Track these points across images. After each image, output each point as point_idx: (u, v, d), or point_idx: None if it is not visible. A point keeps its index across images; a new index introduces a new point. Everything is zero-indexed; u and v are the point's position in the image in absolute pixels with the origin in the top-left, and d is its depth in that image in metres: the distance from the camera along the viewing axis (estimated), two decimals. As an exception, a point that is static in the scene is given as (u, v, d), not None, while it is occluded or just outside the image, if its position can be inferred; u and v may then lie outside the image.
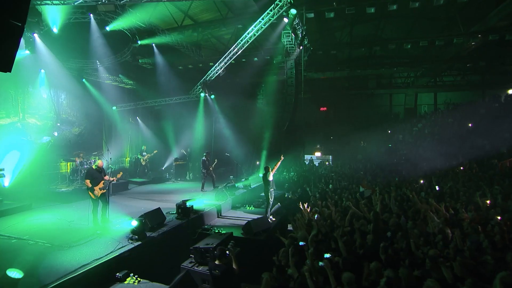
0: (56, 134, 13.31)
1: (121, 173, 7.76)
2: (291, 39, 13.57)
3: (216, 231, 7.71)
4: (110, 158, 10.11)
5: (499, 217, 6.59)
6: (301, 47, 14.29)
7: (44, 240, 5.80)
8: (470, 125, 20.34)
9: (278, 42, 14.40)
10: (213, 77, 14.25)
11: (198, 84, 14.99)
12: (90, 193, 6.85)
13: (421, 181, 12.05)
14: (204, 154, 12.41)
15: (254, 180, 13.70)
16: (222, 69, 13.47)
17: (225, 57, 13.31)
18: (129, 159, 17.81)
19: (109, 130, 16.83)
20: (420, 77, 25.18)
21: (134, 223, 5.98)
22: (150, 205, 9.41)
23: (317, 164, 20.03)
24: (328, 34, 19.19)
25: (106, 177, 7.25)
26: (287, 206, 10.59)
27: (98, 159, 7.39)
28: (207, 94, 15.08)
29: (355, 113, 28.17)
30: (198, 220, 8.23)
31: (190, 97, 16.17)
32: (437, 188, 10.19)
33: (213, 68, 13.82)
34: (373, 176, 13.63)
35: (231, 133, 16.25)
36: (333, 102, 29.41)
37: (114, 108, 16.52)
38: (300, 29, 13.33)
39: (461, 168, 14.54)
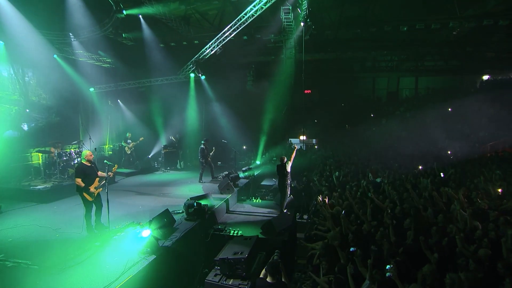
0: (25, 127, 11.35)
1: (116, 166, 6.43)
2: (291, 16, 12.37)
3: (232, 231, 6.74)
4: (95, 149, 8.68)
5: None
6: (302, 24, 13.04)
7: (27, 259, 4.50)
8: (449, 109, 20.99)
9: (276, 20, 13.17)
10: (207, 56, 12.75)
11: (190, 63, 13.41)
12: (85, 194, 5.52)
13: (420, 167, 11.77)
14: (202, 142, 11.18)
15: (256, 169, 12.80)
16: (220, 46, 11.97)
17: (223, 33, 11.81)
18: (110, 147, 16.07)
19: (85, 114, 14.87)
20: (403, 61, 25.05)
21: (147, 233, 4.81)
22: (148, 202, 8.24)
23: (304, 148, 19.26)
24: (316, 15, 17.96)
25: (100, 173, 5.94)
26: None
27: (86, 150, 5.97)
28: (200, 74, 13.55)
29: (339, 96, 27.80)
30: (209, 219, 7.17)
31: (179, 78, 14.58)
32: (441, 175, 9.78)
33: (208, 46, 12.27)
34: (376, 164, 13.14)
35: (225, 117, 14.98)
36: (318, 85, 28.80)
37: (91, 89, 14.53)
38: (305, 4, 12.08)
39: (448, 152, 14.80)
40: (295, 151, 8.22)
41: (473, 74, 24.85)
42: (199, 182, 10.94)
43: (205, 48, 12.37)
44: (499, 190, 7.64)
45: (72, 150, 10.70)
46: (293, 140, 21.31)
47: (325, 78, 27.65)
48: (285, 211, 8.14)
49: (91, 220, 5.68)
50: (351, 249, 4.65)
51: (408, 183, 8.19)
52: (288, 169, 8.04)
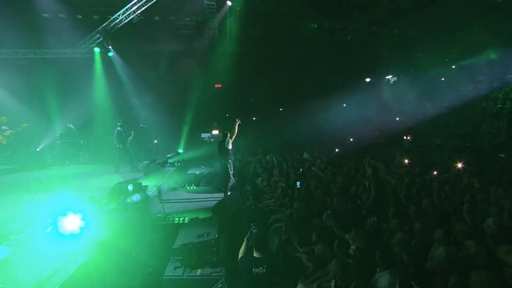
0: None
1: None
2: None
3: (177, 219, 5.71)
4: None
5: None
6: (228, 3, 12.45)
7: None
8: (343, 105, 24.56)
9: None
10: (120, 25, 10.67)
11: (95, 32, 10.99)
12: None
13: (336, 150, 13.41)
14: (119, 124, 9.32)
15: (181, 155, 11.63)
16: (138, 13, 10.07)
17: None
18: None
19: None
20: (306, 61, 27.45)
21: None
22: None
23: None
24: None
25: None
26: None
27: None
28: (109, 46, 11.24)
29: (250, 91, 28.63)
30: (143, 208, 5.85)
31: (78, 53, 11.83)
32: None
33: (121, 12, 10.18)
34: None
35: (141, 102, 13.03)
36: (228, 79, 28.96)
37: None
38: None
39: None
40: (237, 126, 7.61)
41: (360, 76, 29.23)
42: (116, 172, 9.09)
43: (117, 14, 10.24)
44: (406, 160, 9.34)
45: None
46: (203, 135, 20.75)
47: (235, 73, 27.90)
48: (228, 193, 7.50)
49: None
50: (328, 211, 4.47)
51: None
52: (230, 146, 7.43)
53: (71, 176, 8.68)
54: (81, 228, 3.63)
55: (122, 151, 9.27)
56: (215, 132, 25.91)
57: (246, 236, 3.88)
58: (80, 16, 12.43)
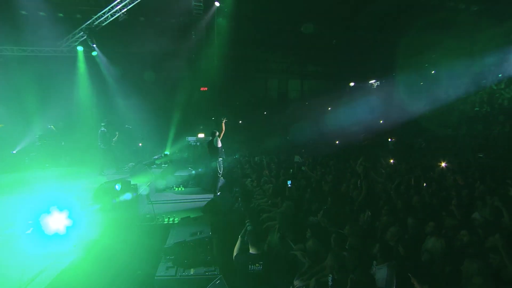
0: None
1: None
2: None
3: (166, 220, 5.56)
4: None
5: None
6: (216, 3, 12.37)
7: None
8: (329, 108, 24.97)
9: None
10: (105, 23, 10.38)
11: (79, 30, 10.65)
12: None
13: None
14: (103, 124, 9.01)
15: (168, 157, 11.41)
16: (124, 11, 9.84)
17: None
18: None
19: None
20: (291, 65, 27.84)
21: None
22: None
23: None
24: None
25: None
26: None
27: None
28: (93, 45, 10.89)
29: (234, 94, 28.68)
30: (131, 209, 5.65)
31: (60, 51, 11.43)
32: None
33: (107, 9, 9.91)
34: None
35: (127, 103, 12.68)
36: (213, 82, 28.89)
37: None
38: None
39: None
40: (223, 124, 7.54)
41: (345, 80, 29.83)
42: (101, 174, 8.76)
43: (103, 12, 9.96)
44: (391, 160, 9.62)
45: None
46: (190, 138, 20.49)
47: (220, 77, 27.82)
48: (218, 193, 7.39)
49: None
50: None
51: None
52: (219, 144, 7.34)
53: (53, 178, 8.29)
54: (67, 228, 3.44)
55: (106, 152, 8.96)
56: (201, 135, 25.64)
57: (241, 234, 3.81)
58: (61, 15, 12.05)
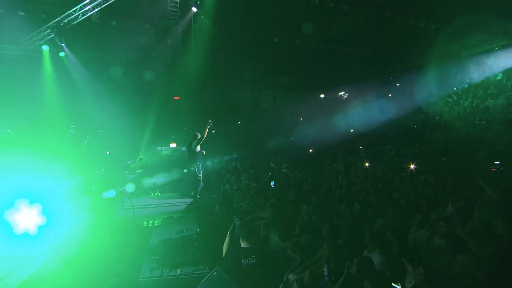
0: None
1: None
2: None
3: (146, 223, 5.25)
4: None
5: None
6: (193, 9, 12.24)
7: None
8: (301, 119, 25.85)
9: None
10: (75, 22, 9.84)
11: (45, 28, 9.99)
12: None
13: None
14: (72, 126, 8.45)
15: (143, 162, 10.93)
16: (97, 10, 9.39)
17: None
18: None
19: None
20: (264, 75, 28.27)
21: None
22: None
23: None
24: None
25: None
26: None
27: None
28: (63, 44, 10.25)
29: (206, 104, 28.49)
30: (107, 210, 5.27)
31: (20, 49, 10.62)
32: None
33: (78, 7, 9.37)
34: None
35: (98, 107, 12.00)
36: (187, 90, 28.50)
37: None
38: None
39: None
40: (207, 128, 7.26)
41: (316, 91, 30.82)
42: (70, 180, 8.11)
43: (73, 9, 9.42)
44: (367, 164, 10.06)
45: None
46: (160, 148, 19.87)
47: (192, 86, 27.47)
48: (198, 196, 7.15)
49: None
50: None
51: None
52: (198, 148, 7.11)
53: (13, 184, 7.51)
54: (39, 227, 3.09)
55: (76, 156, 8.37)
56: (173, 145, 24.90)
57: (229, 230, 3.69)
58: (22, 13, 11.23)
